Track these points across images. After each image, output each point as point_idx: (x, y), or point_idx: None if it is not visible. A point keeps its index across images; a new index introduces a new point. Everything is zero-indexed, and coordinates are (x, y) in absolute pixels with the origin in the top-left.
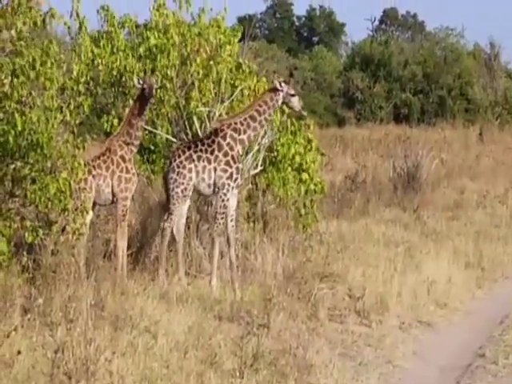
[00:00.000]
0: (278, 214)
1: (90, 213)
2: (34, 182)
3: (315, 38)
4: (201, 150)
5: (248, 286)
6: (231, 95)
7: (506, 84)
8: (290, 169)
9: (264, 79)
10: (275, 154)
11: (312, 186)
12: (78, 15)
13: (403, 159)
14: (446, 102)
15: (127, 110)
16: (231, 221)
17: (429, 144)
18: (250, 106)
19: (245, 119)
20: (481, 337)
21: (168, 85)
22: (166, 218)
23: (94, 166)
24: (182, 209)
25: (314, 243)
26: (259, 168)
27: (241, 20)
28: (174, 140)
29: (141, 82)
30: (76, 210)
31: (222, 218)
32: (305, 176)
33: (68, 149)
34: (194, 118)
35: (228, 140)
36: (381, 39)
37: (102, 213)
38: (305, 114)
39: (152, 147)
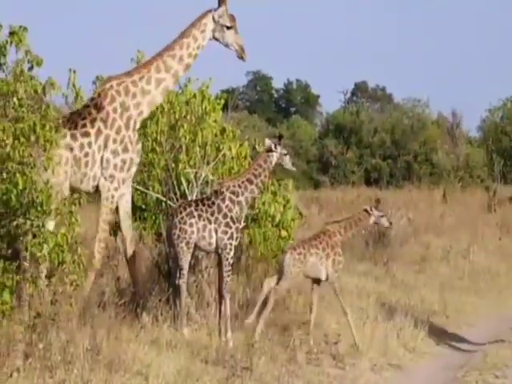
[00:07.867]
0: (260, 267)
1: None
2: (34, 237)
3: (292, 109)
4: (201, 210)
5: (232, 332)
6: (216, 157)
7: (466, 150)
8: (270, 225)
9: (246, 144)
10: (257, 211)
11: (291, 241)
12: (74, 86)
13: None
14: (413, 167)
15: None
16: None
17: (397, 204)
18: (248, 169)
19: (242, 182)
20: (446, 378)
21: (158, 149)
22: (178, 275)
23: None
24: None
25: (292, 294)
26: (242, 224)
27: (224, 92)
28: (164, 199)
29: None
30: (73, 262)
31: (229, 276)
32: (284, 233)
33: (65, 206)
34: (182, 179)
35: (227, 202)
36: (352, 109)
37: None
38: (294, 169)
39: (143, 206)
